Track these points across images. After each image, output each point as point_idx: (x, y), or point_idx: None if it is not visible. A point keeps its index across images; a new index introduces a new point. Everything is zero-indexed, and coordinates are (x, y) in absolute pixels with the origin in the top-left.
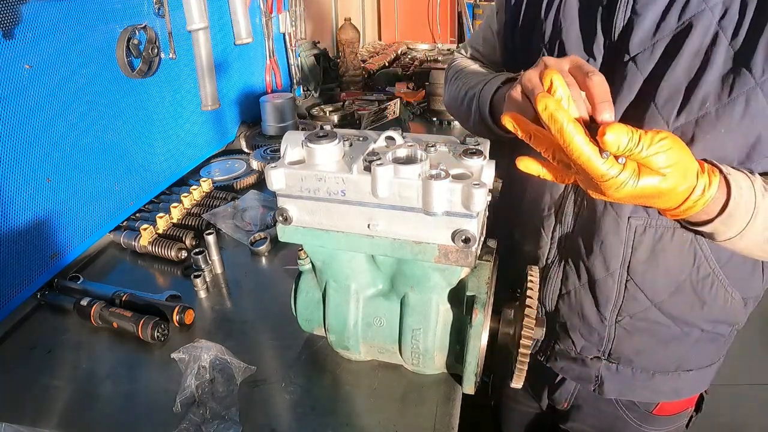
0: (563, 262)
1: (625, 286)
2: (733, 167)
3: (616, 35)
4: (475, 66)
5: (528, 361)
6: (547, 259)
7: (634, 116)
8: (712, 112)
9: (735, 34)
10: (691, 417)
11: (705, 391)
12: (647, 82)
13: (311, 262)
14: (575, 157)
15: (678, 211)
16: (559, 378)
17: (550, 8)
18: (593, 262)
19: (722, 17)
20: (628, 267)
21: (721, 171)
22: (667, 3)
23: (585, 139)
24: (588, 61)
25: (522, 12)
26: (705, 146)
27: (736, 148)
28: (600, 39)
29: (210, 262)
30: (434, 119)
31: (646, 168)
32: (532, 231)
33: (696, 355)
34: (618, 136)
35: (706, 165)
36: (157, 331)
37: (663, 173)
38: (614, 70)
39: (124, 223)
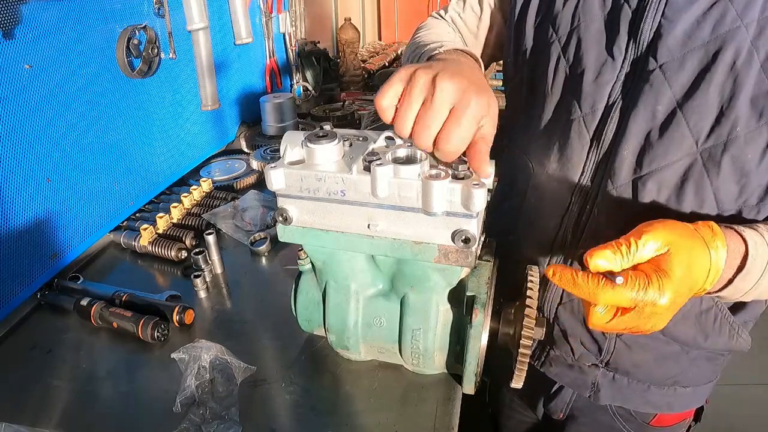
0: None
1: None
2: (742, 218)
3: (644, 39)
4: (438, 30)
5: (528, 361)
6: (548, 265)
7: (660, 128)
8: (742, 137)
9: None
10: (690, 426)
11: (706, 401)
12: (678, 96)
13: (311, 262)
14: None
15: (712, 276)
16: (555, 388)
17: None
18: None
19: (757, 36)
20: None
21: (734, 229)
22: (701, 12)
23: (604, 290)
24: (606, 61)
25: None
26: (731, 172)
27: (759, 176)
28: (623, 39)
29: (210, 262)
30: None
31: (657, 269)
32: (532, 235)
33: (693, 373)
34: (604, 256)
35: (701, 223)
36: (157, 331)
37: (670, 259)
38: (637, 75)
39: (124, 223)
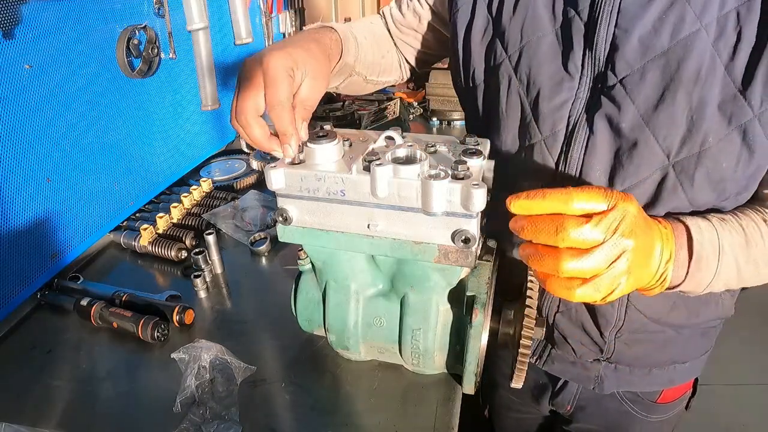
0: None
1: (626, 311)
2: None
3: (600, 53)
4: (360, 20)
5: (528, 361)
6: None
7: (629, 148)
8: (714, 146)
9: (732, 58)
10: (690, 399)
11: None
12: (642, 110)
13: (311, 262)
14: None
15: (660, 276)
16: (560, 383)
17: (516, 12)
18: None
19: (717, 38)
20: (628, 294)
21: (676, 218)
22: (657, 17)
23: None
24: (562, 79)
25: (476, 7)
26: (706, 181)
27: (735, 180)
28: (578, 54)
29: (210, 262)
30: (434, 119)
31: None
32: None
33: (689, 350)
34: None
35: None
36: (157, 331)
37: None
38: (598, 91)
39: (124, 223)
